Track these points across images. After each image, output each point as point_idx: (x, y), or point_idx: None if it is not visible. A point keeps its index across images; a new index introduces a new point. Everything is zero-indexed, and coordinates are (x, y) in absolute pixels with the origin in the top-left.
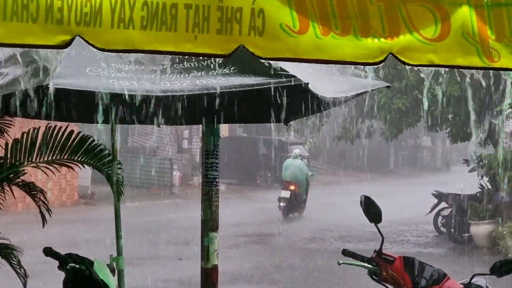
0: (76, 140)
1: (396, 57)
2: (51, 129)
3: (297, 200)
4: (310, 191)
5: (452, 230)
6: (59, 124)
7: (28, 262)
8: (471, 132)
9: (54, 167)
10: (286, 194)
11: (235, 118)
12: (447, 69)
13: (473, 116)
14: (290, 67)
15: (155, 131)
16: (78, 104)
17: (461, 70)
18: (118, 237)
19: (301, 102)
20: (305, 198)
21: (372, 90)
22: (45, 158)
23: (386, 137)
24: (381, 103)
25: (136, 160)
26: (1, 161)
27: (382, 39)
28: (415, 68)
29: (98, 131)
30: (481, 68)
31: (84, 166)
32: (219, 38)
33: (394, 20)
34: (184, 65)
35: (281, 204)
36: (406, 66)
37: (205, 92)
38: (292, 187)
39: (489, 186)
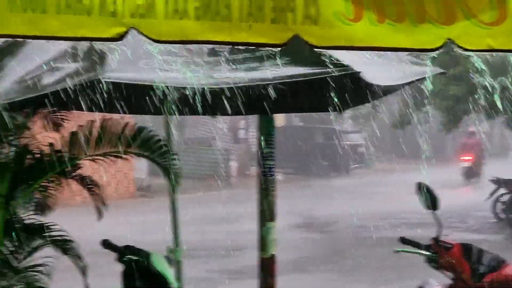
0: (132, 131)
1: (454, 43)
2: (107, 121)
3: None
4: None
5: (511, 216)
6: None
7: (86, 254)
8: None
9: (110, 159)
10: None
11: (290, 108)
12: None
13: None
14: (346, 55)
15: (211, 122)
16: (132, 96)
17: None
18: (175, 228)
19: (356, 90)
20: None
21: (427, 76)
22: (101, 151)
23: (446, 127)
24: (436, 90)
25: (192, 151)
26: (58, 154)
27: (439, 25)
28: (472, 54)
29: (153, 123)
30: None
31: (140, 158)
32: (274, 27)
33: (449, 5)
34: (238, 56)
35: None
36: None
37: (260, 83)
38: None
39: None
